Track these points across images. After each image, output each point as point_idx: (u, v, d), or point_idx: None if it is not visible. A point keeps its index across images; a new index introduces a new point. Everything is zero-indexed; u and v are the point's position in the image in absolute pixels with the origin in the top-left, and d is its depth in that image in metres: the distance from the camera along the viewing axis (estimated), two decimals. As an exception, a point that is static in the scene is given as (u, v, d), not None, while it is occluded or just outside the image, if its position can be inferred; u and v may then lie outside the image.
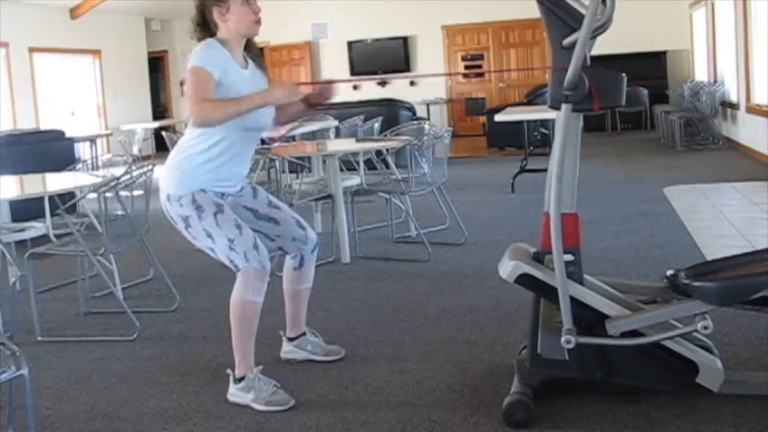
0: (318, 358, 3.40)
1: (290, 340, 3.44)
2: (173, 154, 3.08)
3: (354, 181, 5.94)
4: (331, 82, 3.23)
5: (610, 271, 4.53)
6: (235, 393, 3.04)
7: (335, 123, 8.80)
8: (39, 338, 4.01)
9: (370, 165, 6.37)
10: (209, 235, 2.96)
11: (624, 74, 2.70)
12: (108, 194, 4.08)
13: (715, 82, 11.57)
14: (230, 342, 3.73)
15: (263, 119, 3.06)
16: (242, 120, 2.89)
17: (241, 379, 3.03)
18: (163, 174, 3.06)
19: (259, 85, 3.03)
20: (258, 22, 3.00)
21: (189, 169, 2.99)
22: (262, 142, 5.70)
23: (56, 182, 4.88)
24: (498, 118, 8.38)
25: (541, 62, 14.77)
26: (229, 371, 3.08)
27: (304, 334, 3.44)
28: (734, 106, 10.57)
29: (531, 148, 8.94)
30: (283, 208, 3.25)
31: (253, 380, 3.02)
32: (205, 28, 3.01)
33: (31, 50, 12.62)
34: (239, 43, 3.01)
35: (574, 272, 2.71)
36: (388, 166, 5.81)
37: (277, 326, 3.95)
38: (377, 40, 15.28)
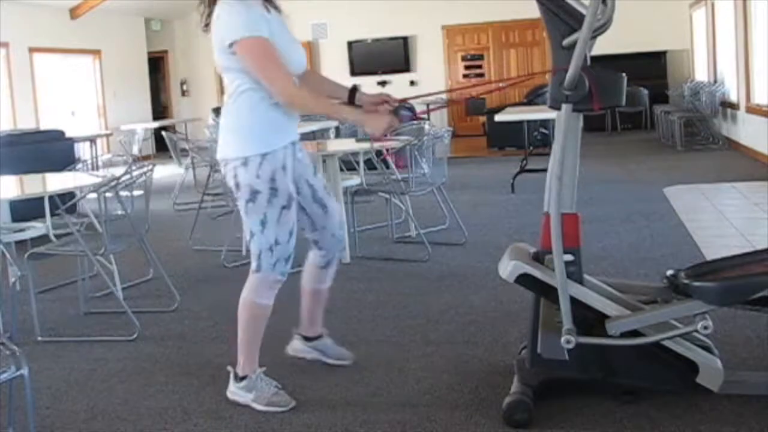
0: (329, 360, 3.31)
1: (307, 339, 3.33)
2: (232, 116, 2.88)
3: (354, 181, 5.93)
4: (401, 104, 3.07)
5: (610, 271, 4.53)
6: (235, 391, 3.03)
7: (335, 123, 8.80)
8: (39, 338, 4.00)
9: (370, 165, 6.38)
10: (263, 223, 2.85)
11: (624, 74, 2.70)
12: (108, 194, 4.08)
13: (715, 82, 11.57)
14: (231, 342, 3.73)
15: (300, 64, 2.96)
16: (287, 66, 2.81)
17: (243, 378, 3.02)
18: (228, 141, 2.89)
19: (287, 31, 2.92)
20: None
21: (256, 121, 2.84)
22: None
23: (56, 182, 4.88)
24: (498, 118, 8.38)
25: (541, 62, 14.76)
26: (229, 368, 3.07)
27: (321, 336, 3.33)
28: (734, 106, 10.57)
29: (531, 148, 8.93)
30: (334, 199, 3.16)
31: (256, 380, 3.01)
32: None
33: (31, 50, 12.62)
34: None
35: (574, 272, 2.71)
36: (388, 166, 5.81)
37: (277, 326, 3.94)
38: (377, 40, 15.29)
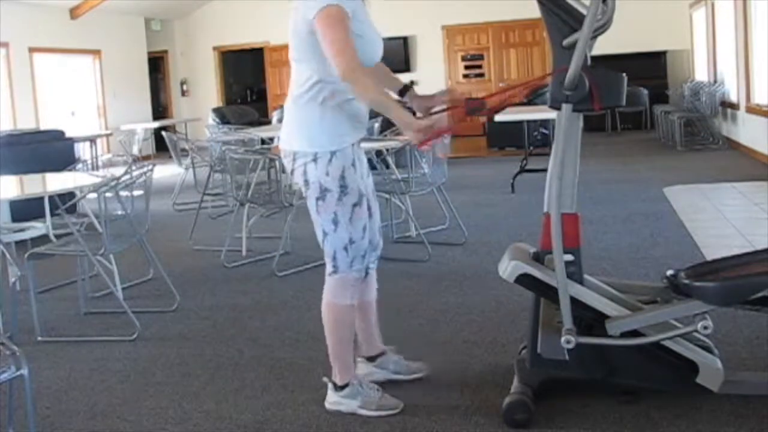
0: (403, 377, 3.10)
1: (369, 360, 3.11)
2: (301, 109, 2.75)
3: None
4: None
5: (610, 271, 4.53)
6: (339, 401, 2.88)
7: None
8: (39, 338, 4.00)
9: (370, 165, 6.36)
10: (335, 222, 2.74)
11: (624, 74, 2.70)
12: (108, 194, 4.08)
13: (715, 82, 11.57)
14: (230, 342, 3.74)
15: (377, 54, 2.84)
16: (361, 55, 2.63)
17: (345, 386, 2.87)
18: (295, 134, 2.76)
19: (370, 20, 2.80)
20: None
21: (332, 118, 2.72)
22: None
23: (56, 182, 4.88)
24: (498, 118, 8.37)
25: (541, 62, 14.77)
26: (325, 379, 2.92)
27: (384, 352, 3.13)
28: (734, 106, 10.57)
29: (531, 148, 8.93)
30: (377, 205, 3.00)
31: (359, 386, 2.88)
32: None
33: (31, 50, 12.62)
34: None
35: (574, 272, 2.71)
36: (388, 166, 5.81)
37: (278, 326, 3.95)
38: (377, 40, 15.27)
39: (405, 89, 2.99)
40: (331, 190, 2.73)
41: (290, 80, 2.83)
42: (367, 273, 2.96)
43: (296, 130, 2.77)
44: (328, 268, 2.82)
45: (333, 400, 2.90)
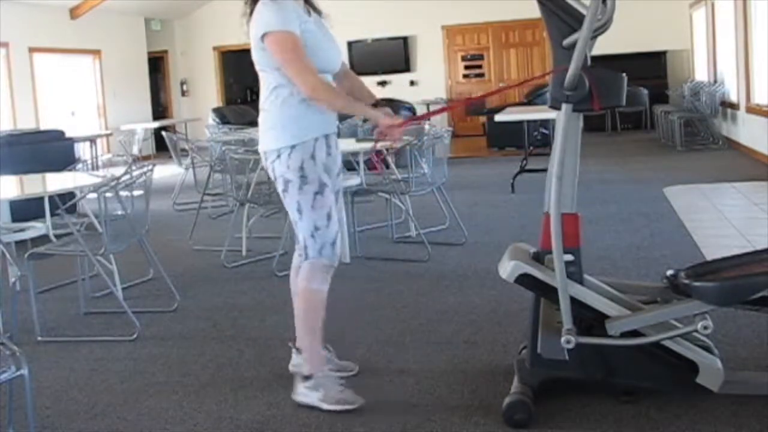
0: (330, 373, 3.14)
1: (299, 351, 3.16)
2: (266, 113, 2.98)
3: (354, 181, 5.93)
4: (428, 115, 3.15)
5: (610, 271, 4.53)
6: (303, 392, 2.98)
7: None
8: (39, 338, 4.00)
9: (370, 165, 6.37)
10: (299, 210, 2.93)
11: (624, 74, 2.70)
12: (108, 194, 4.08)
13: (715, 82, 11.57)
14: (230, 342, 3.73)
15: (334, 62, 3.05)
16: (317, 63, 2.90)
17: (309, 377, 2.98)
18: (264, 136, 2.99)
19: (325, 32, 3.03)
20: None
21: (290, 116, 2.92)
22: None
23: (56, 182, 4.88)
24: (498, 118, 8.38)
25: (541, 62, 14.77)
26: (292, 369, 3.06)
27: None
28: (734, 106, 10.57)
29: (531, 148, 8.93)
30: (341, 206, 3.20)
31: (322, 379, 2.98)
32: None
33: (31, 50, 12.62)
34: None
35: (574, 272, 2.71)
36: (388, 166, 5.81)
37: (278, 326, 3.95)
38: (377, 40, 15.29)
39: (376, 104, 3.12)
40: (292, 180, 2.92)
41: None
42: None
43: (264, 133, 3.00)
44: (303, 256, 2.98)
45: (299, 391, 3.01)
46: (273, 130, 2.96)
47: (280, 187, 2.97)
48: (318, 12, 3.08)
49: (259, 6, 2.91)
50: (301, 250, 2.98)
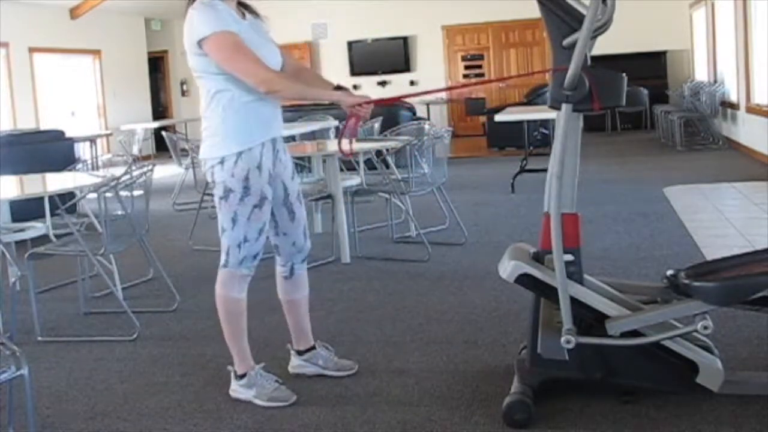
0: (330, 373, 3.22)
1: (299, 353, 3.27)
2: (207, 122, 2.94)
3: (354, 181, 5.93)
4: (398, 98, 3.13)
5: (610, 271, 4.53)
6: (237, 389, 3.06)
7: (335, 123, 8.80)
8: (39, 338, 4.01)
9: (370, 165, 6.37)
10: (234, 220, 2.91)
11: (624, 74, 2.70)
12: (108, 194, 4.08)
13: (715, 82, 11.57)
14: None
15: (273, 64, 2.95)
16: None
17: (243, 375, 3.05)
18: (206, 143, 2.95)
19: (262, 34, 2.98)
20: None
21: (233, 123, 2.88)
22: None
23: (56, 182, 4.88)
24: (498, 118, 8.38)
25: (541, 62, 14.76)
26: (229, 368, 3.09)
27: (313, 347, 3.27)
28: (734, 106, 10.57)
29: (531, 148, 8.93)
30: (303, 208, 3.17)
31: (255, 377, 3.04)
32: None
33: (31, 50, 12.62)
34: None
35: (574, 272, 2.71)
36: (388, 166, 5.81)
37: (278, 326, 3.95)
38: (377, 40, 15.29)
39: (338, 88, 3.03)
40: (234, 190, 2.89)
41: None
42: (292, 273, 3.18)
43: (205, 140, 2.95)
44: (221, 262, 2.99)
45: (233, 388, 3.07)
46: (215, 137, 2.90)
47: (218, 194, 2.92)
48: (254, 13, 3.03)
49: (190, 12, 2.85)
50: (224, 255, 2.97)
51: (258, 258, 3.00)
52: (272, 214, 3.05)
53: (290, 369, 3.28)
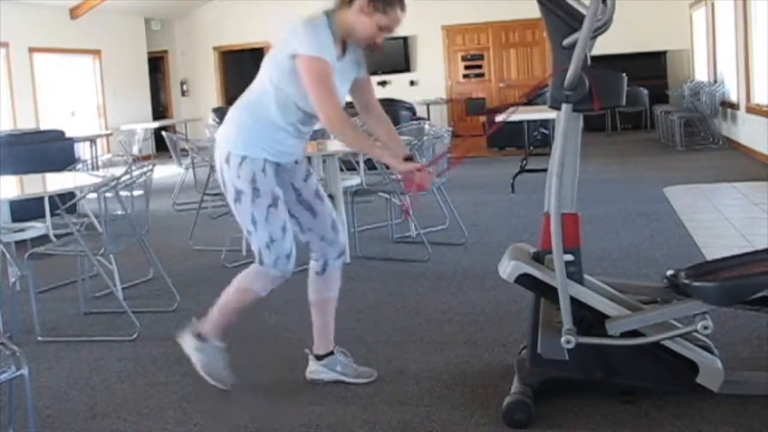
0: (348, 379, 3.15)
1: (318, 358, 3.19)
2: (238, 111, 2.96)
3: (354, 181, 5.93)
4: (442, 155, 3.05)
5: (610, 271, 4.53)
6: (189, 344, 3.13)
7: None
8: (39, 338, 4.01)
9: (370, 165, 6.37)
10: (254, 222, 2.91)
11: (624, 74, 2.70)
12: (108, 194, 4.08)
13: (715, 82, 11.57)
14: (230, 342, 3.72)
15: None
16: (309, 104, 2.86)
17: (201, 337, 3.11)
18: (224, 129, 2.96)
19: (346, 76, 2.95)
20: (369, 43, 2.93)
21: (254, 128, 2.90)
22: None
23: (56, 182, 4.88)
24: (498, 118, 8.38)
25: (541, 62, 14.77)
26: (195, 322, 3.16)
27: (332, 352, 3.20)
28: (734, 106, 10.57)
29: (531, 148, 8.93)
30: (326, 203, 3.13)
31: (210, 348, 3.11)
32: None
33: (31, 50, 12.63)
34: (344, 35, 2.89)
35: (574, 272, 2.71)
36: (388, 167, 5.79)
37: (278, 326, 3.96)
38: (377, 40, 15.27)
39: (408, 159, 2.99)
40: (244, 191, 2.90)
41: (248, 88, 3.01)
42: (325, 269, 3.11)
43: (224, 129, 2.98)
44: (256, 260, 2.99)
45: (187, 337, 3.14)
46: (234, 126, 2.93)
47: (230, 197, 2.93)
48: (359, 60, 3.00)
49: (299, 24, 2.83)
50: (257, 257, 2.97)
51: (292, 258, 2.97)
52: (291, 215, 3.04)
53: (307, 374, 3.22)
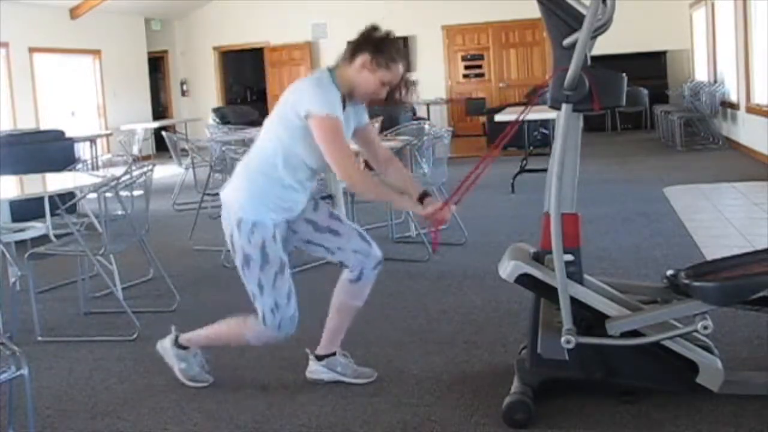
0: (348, 380, 3.17)
1: (318, 358, 3.21)
2: (246, 174, 2.95)
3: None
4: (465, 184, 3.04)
5: (610, 271, 4.53)
6: (170, 352, 3.23)
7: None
8: (39, 338, 4.00)
9: (369, 165, 6.35)
10: (260, 287, 2.93)
11: (624, 74, 2.70)
12: (108, 194, 4.08)
13: (715, 82, 11.57)
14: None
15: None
16: (314, 158, 2.88)
17: (184, 348, 3.21)
18: (234, 194, 2.94)
19: (347, 125, 2.96)
20: (373, 99, 2.97)
21: (264, 190, 2.91)
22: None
23: (56, 182, 4.88)
24: (498, 118, 8.37)
25: (541, 62, 14.77)
26: (174, 330, 3.26)
27: (335, 353, 3.21)
28: (734, 106, 10.57)
29: (531, 148, 8.93)
30: (344, 220, 3.16)
31: (193, 356, 3.22)
32: (348, 52, 2.94)
33: (31, 50, 12.62)
34: (347, 90, 2.93)
35: (574, 272, 2.71)
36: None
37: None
38: (377, 40, 15.26)
39: (423, 196, 3.00)
40: (254, 258, 2.91)
41: (253, 145, 3.03)
42: (360, 277, 3.08)
43: (233, 187, 2.97)
44: (259, 317, 2.97)
45: (167, 346, 3.24)
46: (240, 193, 2.92)
47: (239, 260, 2.94)
48: (358, 105, 3.03)
49: (305, 84, 2.88)
50: (261, 317, 2.97)
51: (295, 321, 2.98)
52: (314, 243, 3.07)
53: (307, 374, 3.23)
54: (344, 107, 2.92)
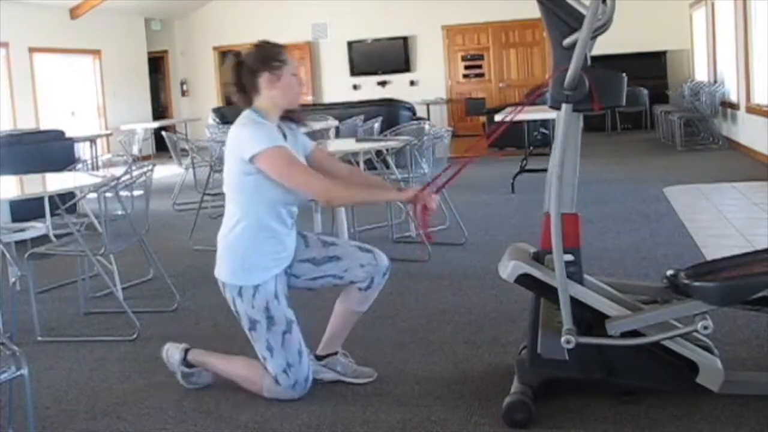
0: (347, 379, 3.17)
1: (319, 358, 3.20)
2: (232, 241, 2.95)
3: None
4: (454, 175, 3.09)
5: (610, 271, 4.53)
6: (177, 369, 3.21)
7: (335, 123, 8.81)
8: (39, 338, 4.01)
9: (370, 165, 6.37)
10: (269, 348, 2.95)
11: (624, 74, 2.70)
12: (108, 194, 4.08)
13: (715, 82, 11.57)
14: (230, 342, 3.72)
15: (301, 197, 3.02)
16: (285, 197, 2.90)
17: (192, 365, 3.21)
18: (227, 261, 2.96)
19: (298, 148, 2.99)
20: (299, 94, 3.01)
21: (255, 250, 2.92)
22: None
23: (56, 182, 4.88)
24: (498, 118, 8.37)
25: (541, 62, 14.77)
26: (184, 346, 3.26)
27: (335, 353, 3.22)
28: (734, 106, 10.57)
29: (531, 148, 8.93)
30: (339, 242, 3.17)
31: (197, 375, 3.23)
32: (244, 91, 2.96)
33: (31, 50, 12.62)
34: (277, 113, 2.97)
35: (574, 272, 2.71)
36: (388, 166, 5.80)
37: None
38: (377, 40, 15.29)
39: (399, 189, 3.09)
40: (260, 321, 2.93)
41: (226, 210, 3.01)
42: (371, 285, 3.07)
43: (223, 262, 2.98)
44: (273, 376, 2.98)
45: (172, 365, 3.24)
46: (234, 262, 2.93)
47: (245, 325, 2.96)
48: (296, 125, 3.07)
49: (238, 130, 2.88)
50: (275, 377, 2.97)
51: (309, 382, 3.00)
52: (321, 277, 3.06)
53: None
54: (285, 138, 2.95)
